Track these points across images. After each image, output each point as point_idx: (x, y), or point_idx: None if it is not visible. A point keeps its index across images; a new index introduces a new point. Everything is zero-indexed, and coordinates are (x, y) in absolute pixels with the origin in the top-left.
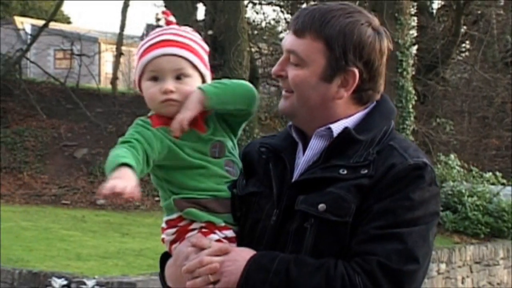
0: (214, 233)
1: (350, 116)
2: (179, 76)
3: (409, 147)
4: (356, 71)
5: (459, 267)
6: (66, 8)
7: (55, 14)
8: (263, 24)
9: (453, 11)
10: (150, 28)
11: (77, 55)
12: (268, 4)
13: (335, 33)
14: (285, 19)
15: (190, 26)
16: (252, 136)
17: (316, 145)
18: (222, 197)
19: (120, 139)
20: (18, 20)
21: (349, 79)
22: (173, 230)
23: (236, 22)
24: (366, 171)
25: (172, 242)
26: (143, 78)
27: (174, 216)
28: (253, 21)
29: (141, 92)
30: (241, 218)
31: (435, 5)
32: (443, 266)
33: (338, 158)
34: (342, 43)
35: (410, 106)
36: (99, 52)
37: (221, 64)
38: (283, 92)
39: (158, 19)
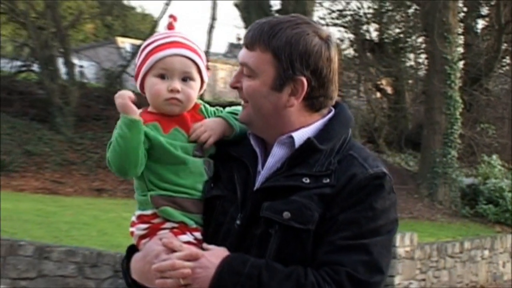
0: (185, 234)
1: (309, 124)
2: (185, 78)
3: (368, 157)
4: (304, 79)
5: (500, 253)
6: (160, 29)
7: (151, 34)
8: None
9: (495, 31)
10: (232, 46)
11: None
12: (334, 25)
13: (281, 44)
14: (348, 38)
15: None
16: None
17: (278, 152)
18: (196, 197)
19: (112, 139)
20: (119, 40)
21: (298, 87)
22: (145, 226)
23: None
24: (328, 180)
25: (142, 237)
26: (150, 73)
27: (149, 212)
28: None
29: (140, 88)
30: (205, 220)
31: (480, 25)
32: (486, 252)
33: (301, 167)
34: (288, 53)
35: (457, 113)
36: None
37: None
38: (242, 103)
39: (239, 39)
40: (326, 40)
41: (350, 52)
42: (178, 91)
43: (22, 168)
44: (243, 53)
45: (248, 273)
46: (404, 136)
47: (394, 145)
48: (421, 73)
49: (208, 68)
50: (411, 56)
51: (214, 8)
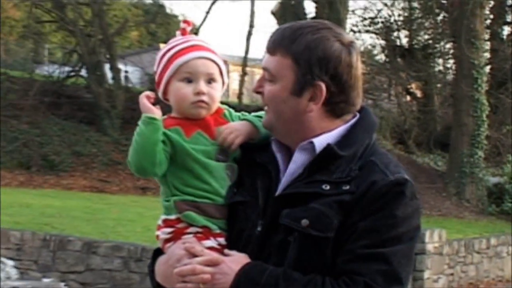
0: (209, 239)
1: (331, 130)
2: (210, 81)
3: (389, 163)
4: (323, 84)
5: None
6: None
7: None
8: (362, 48)
9: None
10: None
11: None
12: (366, 32)
13: (301, 49)
14: (380, 44)
15: None
16: None
17: (299, 158)
18: (219, 202)
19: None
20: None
21: (317, 92)
22: (170, 230)
23: None
24: (348, 187)
25: (167, 240)
26: (174, 78)
27: (173, 217)
28: None
29: (162, 93)
30: (228, 225)
31: (505, 32)
32: (511, 248)
33: (321, 173)
34: (307, 58)
35: (484, 115)
36: (228, 72)
37: None
38: (265, 108)
39: None
40: (348, 45)
41: (382, 57)
42: (204, 94)
43: (71, 168)
44: (265, 58)
45: (265, 283)
46: (433, 137)
47: (424, 146)
48: (449, 77)
49: (245, 73)
50: (440, 61)
51: (252, 16)
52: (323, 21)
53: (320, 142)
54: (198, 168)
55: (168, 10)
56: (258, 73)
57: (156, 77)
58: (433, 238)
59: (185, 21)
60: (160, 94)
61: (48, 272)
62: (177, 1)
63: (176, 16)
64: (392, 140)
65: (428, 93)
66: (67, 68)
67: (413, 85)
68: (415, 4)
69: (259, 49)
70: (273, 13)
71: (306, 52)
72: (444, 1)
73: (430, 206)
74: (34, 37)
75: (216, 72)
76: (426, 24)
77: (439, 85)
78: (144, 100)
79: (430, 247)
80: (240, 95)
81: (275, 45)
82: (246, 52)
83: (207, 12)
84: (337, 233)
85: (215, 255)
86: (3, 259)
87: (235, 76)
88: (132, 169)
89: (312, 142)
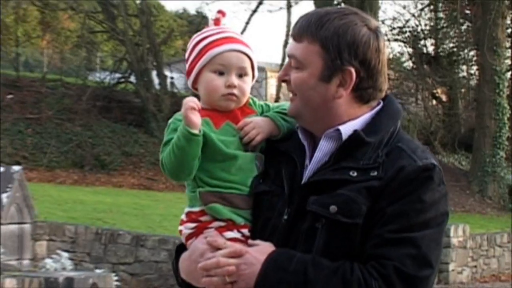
0: (231, 230)
1: (357, 117)
2: (241, 74)
3: (417, 149)
4: (353, 70)
5: None
6: None
7: None
8: (391, 56)
9: None
10: None
11: None
12: (395, 40)
13: (329, 35)
14: (407, 51)
15: None
16: None
17: (325, 146)
18: (245, 193)
19: (166, 138)
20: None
21: (347, 78)
22: (193, 225)
23: None
24: (375, 173)
25: (190, 236)
26: (206, 69)
27: (197, 209)
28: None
29: (192, 84)
30: (253, 216)
31: None
32: None
33: (348, 160)
34: (336, 43)
35: (506, 118)
36: (266, 78)
37: None
38: (290, 96)
39: None
40: (375, 30)
41: (409, 64)
42: (235, 87)
43: (120, 167)
44: (290, 45)
45: (294, 269)
46: (457, 139)
47: (448, 146)
48: (473, 82)
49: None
50: (464, 67)
51: (288, 26)
52: (348, 7)
53: (346, 129)
54: (226, 160)
55: (210, 21)
56: None
57: (187, 66)
58: (457, 232)
59: (220, 11)
60: (189, 83)
61: (100, 263)
62: None
63: None
64: (419, 141)
65: (453, 98)
66: (117, 75)
67: (439, 90)
68: (441, 14)
69: None
70: None
71: (335, 38)
72: (468, 12)
73: (455, 203)
74: (87, 46)
75: (248, 66)
76: (451, 33)
77: (463, 90)
78: (188, 112)
79: (454, 241)
80: (277, 99)
81: (301, 32)
82: (283, 59)
83: (247, 23)
84: (365, 219)
85: (238, 246)
86: (59, 251)
87: (272, 82)
88: (166, 173)
89: (338, 130)
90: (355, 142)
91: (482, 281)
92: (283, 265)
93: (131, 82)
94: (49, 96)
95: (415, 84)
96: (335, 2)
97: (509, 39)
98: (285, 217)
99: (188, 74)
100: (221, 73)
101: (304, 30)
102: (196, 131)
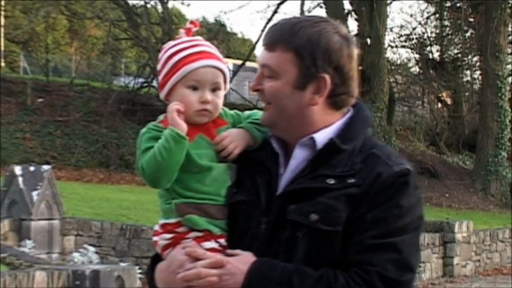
0: (209, 240)
1: (330, 124)
2: (214, 89)
3: (391, 154)
4: (327, 76)
5: None
6: (258, 52)
7: (250, 56)
8: (398, 62)
9: None
10: None
11: None
12: (402, 47)
13: (303, 42)
14: (414, 57)
15: None
16: (391, 143)
17: (300, 154)
18: (220, 203)
19: (145, 146)
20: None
21: (322, 85)
22: (170, 235)
23: (379, 60)
24: (353, 180)
25: (166, 246)
26: (181, 84)
27: (173, 220)
28: (391, 59)
29: (166, 96)
30: (230, 226)
31: None
32: None
33: (324, 168)
34: (310, 50)
35: (507, 120)
36: None
37: (368, 90)
38: (263, 105)
39: None
40: (346, 37)
41: (416, 69)
42: (209, 102)
43: None
44: (263, 54)
45: (278, 279)
46: (461, 139)
47: (453, 147)
48: (476, 86)
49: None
50: (468, 72)
51: None
52: (318, 15)
53: (320, 137)
54: (200, 172)
55: (228, 29)
56: None
57: (160, 78)
58: (461, 228)
59: (192, 22)
60: (162, 95)
61: (124, 257)
62: (236, 21)
63: (235, 34)
64: (425, 142)
65: (457, 101)
66: (140, 80)
67: (444, 94)
68: (446, 22)
69: None
70: None
71: (309, 45)
72: (472, 20)
73: (459, 200)
74: (112, 53)
75: (221, 80)
76: (456, 40)
77: (467, 94)
78: (174, 114)
79: (459, 236)
80: None
81: (274, 41)
82: None
83: (262, 30)
84: (345, 226)
85: (219, 257)
86: (86, 246)
87: None
88: (145, 177)
89: (312, 138)
90: (331, 150)
91: (485, 274)
92: (267, 274)
93: (153, 87)
94: (76, 100)
95: (422, 88)
96: (346, 12)
97: (511, 46)
98: (264, 226)
99: (162, 86)
100: (195, 89)
101: (277, 39)
102: (183, 133)
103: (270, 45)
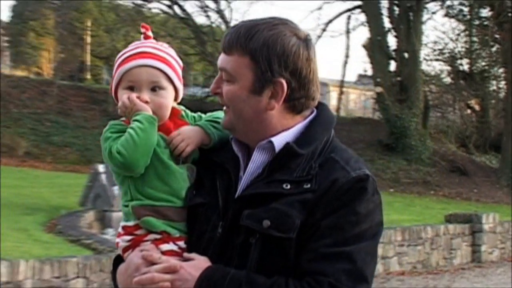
0: (168, 243)
1: (290, 127)
2: (154, 88)
3: (350, 159)
4: (284, 81)
5: None
6: None
7: None
8: (432, 73)
9: None
10: (360, 76)
11: None
12: (436, 60)
13: (258, 46)
14: (446, 70)
15: (383, 76)
16: (426, 145)
17: (258, 158)
18: (179, 205)
19: (113, 135)
20: None
21: (278, 90)
22: (129, 237)
23: (415, 72)
24: (309, 185)
25: (126, 249)
26: (120, 86)
27: (131, 223)
28: (426, 71)
29: (116, 100)
30: (188, 228)
31: None
32: None
33: (281, 172)
34: (266, 55)
35: None
36: (328, 92)
37: (405, 99)
38: (224, 108)
39: (365, 70)
40: (305, 39)
41: (448, 80)
42: (146, 102)
43: None
44: (221, 58)
45: (228, 287)
46: (488, 141)
47: (481, 148)
48: (501, 95)
49: (342, 92)
50: (494, 82)
51: (347, 48)
52: (278, 17)
53: (279, 141)
54: (160, 168)
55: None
56: (352, 93)
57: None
58: (488, 220)
59: (143, 26)
60: (114, 100)
61: None
62: None
63: None
64: (456, 143)
65: (485, 107)
66: (207, 89)
67: (473, 101)
68: (475, 38)
69: (352, 74)
70: (363, 46)
71: (264, 49)
72: (498, 36)
73: (486, 195)
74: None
75: (161, 79)
76: (483, 53)
77: (493, 101)
78: (137, 101)
79: (486, 227)
80: (338, 109)
81: (231, 44)
82: (343, 76)
83: None
84: (300, 233)
85: (173, 262)
86: None
87: (334, 95)
88: (121, 161)
89: (271, 142)
90: (288, 154)
91: (509, 260)
92: (216, 283)
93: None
94: None
95: (453, 96)
96: (386, 29)
97: None
98: (219, 230)
99: (111, 92)
100: (132, 89)
101: (233, 42)
102: (155, 116)
103: (227, 48)
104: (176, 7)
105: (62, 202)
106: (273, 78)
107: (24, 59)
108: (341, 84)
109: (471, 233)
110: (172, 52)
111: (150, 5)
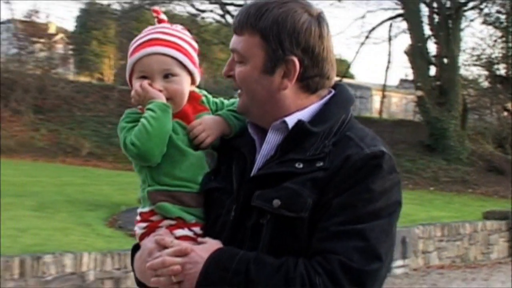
0: (182, 228)
1: (305, 108)
2: (167, 75)
3: (365, 136)
4: (296, 59)
5: None
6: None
7: (346, 73)
8: (470, 77)
9: None
10: (402, 81)
11: (358, 97)
12: (474, 65)
13: (268, 25)
14: (484, 74)
15: (424, 80)
16: (464, 146)
17: (272, 139)
18: (195, 190)
19: (128, 125)
20: None
21: (290, 68)
22: (145, 224)
23: (454, 76)
24: (321, 163)
25: (142, 235)
26: (133, 76)
27: (147, 209)
28: (464, 75)
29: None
30: (205, 213)
31: None
32: None
33: (295, 152)
34: (276, 33)
35: None
36: (371, 96)
37: (445, 102)
38: (238, 92)
39: (406, 75)
40: (317, 17)
41: (486, 84)
42: (160, 91)
43: None
44: (233, 39)
45: (236, 269)
46: None
47: None
48: None
49: (384, 96)
50: None
51: (389, 55)
52: None
53: (292, 120)
54: (177, 155)
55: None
56: (394, 96)
57: None
58: None
59: (154, 11)
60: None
61: None
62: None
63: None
64: (493, 144)
65: None
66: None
67: (509, 104)
68: (511, 44)
69: (394, 79)
70: (405, 52)
71: (275, 27)
72: None
73: None
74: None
75: (173, 66)
76: None
77: None
78: (149, 89)
79: None
80: (380, 112)
81: (241, 25)
82: (385, 81)
83: (357, 52)
84: (312, 212)
85: (184, 245)
86: None
87: (377, 99)
88: (136, 152)
89: (285, 121)
90: (300, 133)
91: None
92: (224, 264)
93: None
94: None
95: (490, 100)
96: (426, 36)
97: None
98: (233, 213)
99: (127, 81)
100: (145, 78)
101: (244, 22)
102: (168, 104)
103: (238, 29)
104: (228, 17)
105: (122, 199)
106: (284, 56)
107: (88, 66)
108: (384, 88)
109: (507, 229)
110: (186, 35)
111: (203, 15)
